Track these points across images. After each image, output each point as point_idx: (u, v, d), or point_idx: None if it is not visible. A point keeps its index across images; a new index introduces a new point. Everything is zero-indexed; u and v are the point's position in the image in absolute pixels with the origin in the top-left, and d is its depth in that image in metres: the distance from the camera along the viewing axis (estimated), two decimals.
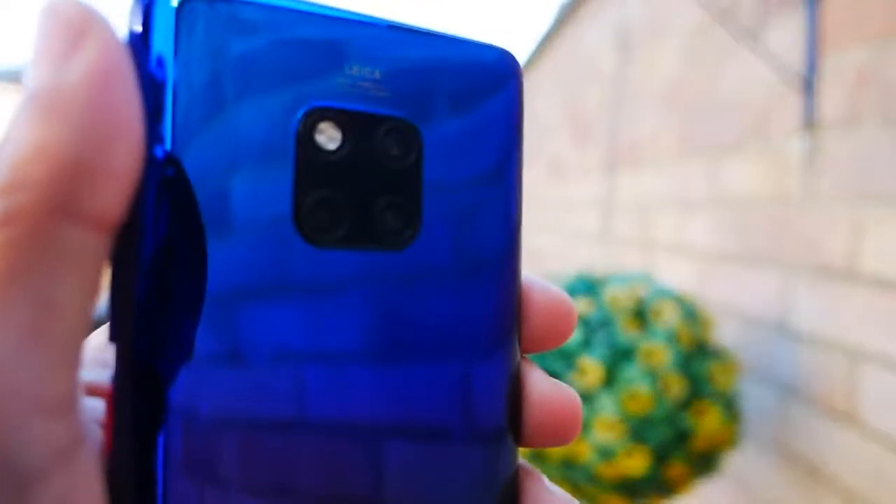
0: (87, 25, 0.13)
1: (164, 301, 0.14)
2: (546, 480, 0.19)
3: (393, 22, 0.18)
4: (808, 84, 1.13)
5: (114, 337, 0.14)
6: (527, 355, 0.20)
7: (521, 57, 4.09)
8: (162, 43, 0.15)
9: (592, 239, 2.43)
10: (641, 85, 2.05)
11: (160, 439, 0.14)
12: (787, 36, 1.21)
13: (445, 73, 0.18)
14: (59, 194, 0.12)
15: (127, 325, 0.14)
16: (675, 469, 1.08)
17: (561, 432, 0.19)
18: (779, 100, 1.24)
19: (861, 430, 1.00)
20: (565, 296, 0.19)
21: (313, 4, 0.17)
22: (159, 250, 0.14)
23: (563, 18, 3.02)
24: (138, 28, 0.15)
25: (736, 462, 1.30)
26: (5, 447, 0.12)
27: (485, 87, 0.18)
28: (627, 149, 2.14)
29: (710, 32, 1.53)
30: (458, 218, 0.18)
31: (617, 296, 1.17)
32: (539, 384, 0.19)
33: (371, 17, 0.17)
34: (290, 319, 0.16)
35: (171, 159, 0.14)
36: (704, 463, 1.11)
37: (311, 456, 0.16)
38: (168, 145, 0.14)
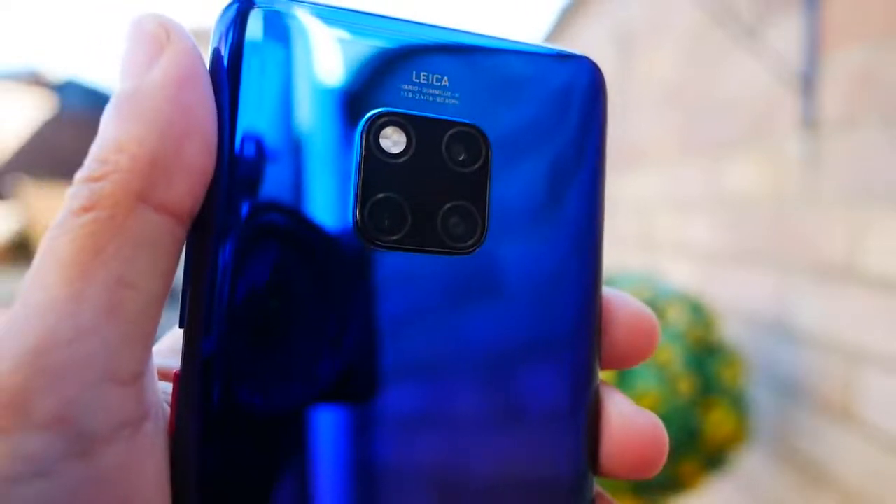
0: (165, 37, 0.15)
1: (228, 297, 0.15)
2: None
3: (466, 31, 0.18)
4: (808, 84, 1.13)
5: (182, 324, 0.16)
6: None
7: None
8: (236, 50, 0.16)
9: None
10: (641, 85, 2.05)
11: (215, 423, 0.15)
12: (786, 36, 1.21)
13: (520, 81, 0.18)
14: (136, 183, 0.14)
15: (193, 315, 0.15)
16: (687, 467, 1.07)
17: (641, 465, 0.17)
18: (779, 100, 1.24)
19: (860, 429, 1.00)
20: (648, 310, 0.18)
21: (380, 15, 0.17)
22: (229, 247, 0.15)
23: (563, 18, 3.02)
24: (217, 37, 0.16)
25: (737, 460, 1.30)
26: (74, 409, 0.13)
27: (562, 95, 0.18)
28: (627, 149, 2.14)
29: (710, 32, 1.53)
30: (531, 226, 0.17)
31: None
32: (620, 410, 0.17)
33: (443, 26, 0.17)
34: (348, 319, 0.16)
35: (241, 160, 0.15)
36: (715, 460, 1.11)
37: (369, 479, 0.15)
38: (238, 147, 0.15)
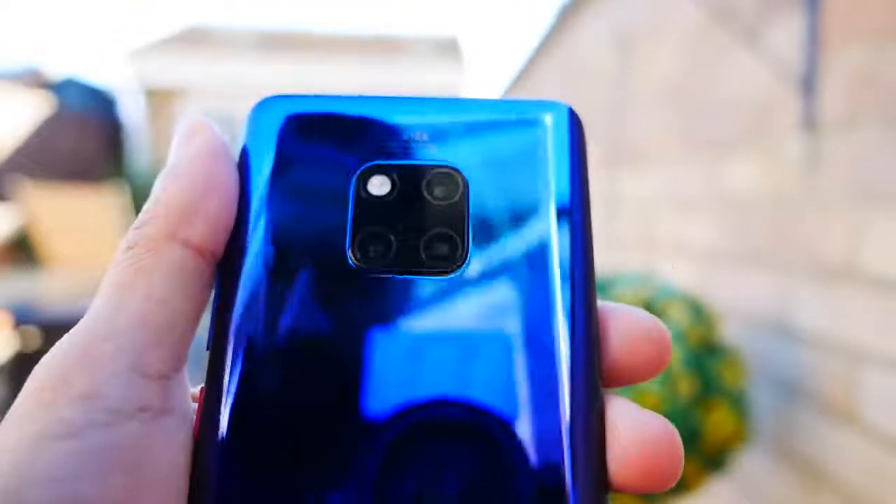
0: (198, 128, 0.20)
1: (244, 327, 0.18)
2: None
3: (442, 97, 0.21)
4: (808, 84, 1.13)
5: (207, 346, 0.19)
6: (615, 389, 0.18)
7: (522, 58, 4.08)
8: (254, 133, 0.21)
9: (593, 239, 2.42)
10: (641, 85, 2.05)
11: (228, 436, 0.17)
12: (787, 36, 1.21)
13: (494, 129, 0.21)
14: (167, 226, 0.18)
15: (214, 339, 0.19)
16: (688, 468, 1.07)
17: (654, 475, 0.17)
18: (779, 100, 1.24)
19: (861, 429, 1.00)
20: (654, 319, 0.18)
21: (372, 97, 0.21)
22: (241, 283, 0.19)
23: (563, 18, 3.02)
24: (244, 124, 0.21)
25: (737, 461, 1.30)
26: (103, 388, 0.16)
27: (534, 135, 0.20)
28: (628, 149, 2.14)
29: (710, 32, 1.53)
30: (514, 247, 0.19)
31: (624, 296, 1.17)
32: (628, 421, 0.17)
33: (425, 97, 0.21)
34: (344, 337, 0.18)
35: (258, 212, 0.19)
36: (716, 461, 1.11)
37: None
38: (255, 202, 0.19)
